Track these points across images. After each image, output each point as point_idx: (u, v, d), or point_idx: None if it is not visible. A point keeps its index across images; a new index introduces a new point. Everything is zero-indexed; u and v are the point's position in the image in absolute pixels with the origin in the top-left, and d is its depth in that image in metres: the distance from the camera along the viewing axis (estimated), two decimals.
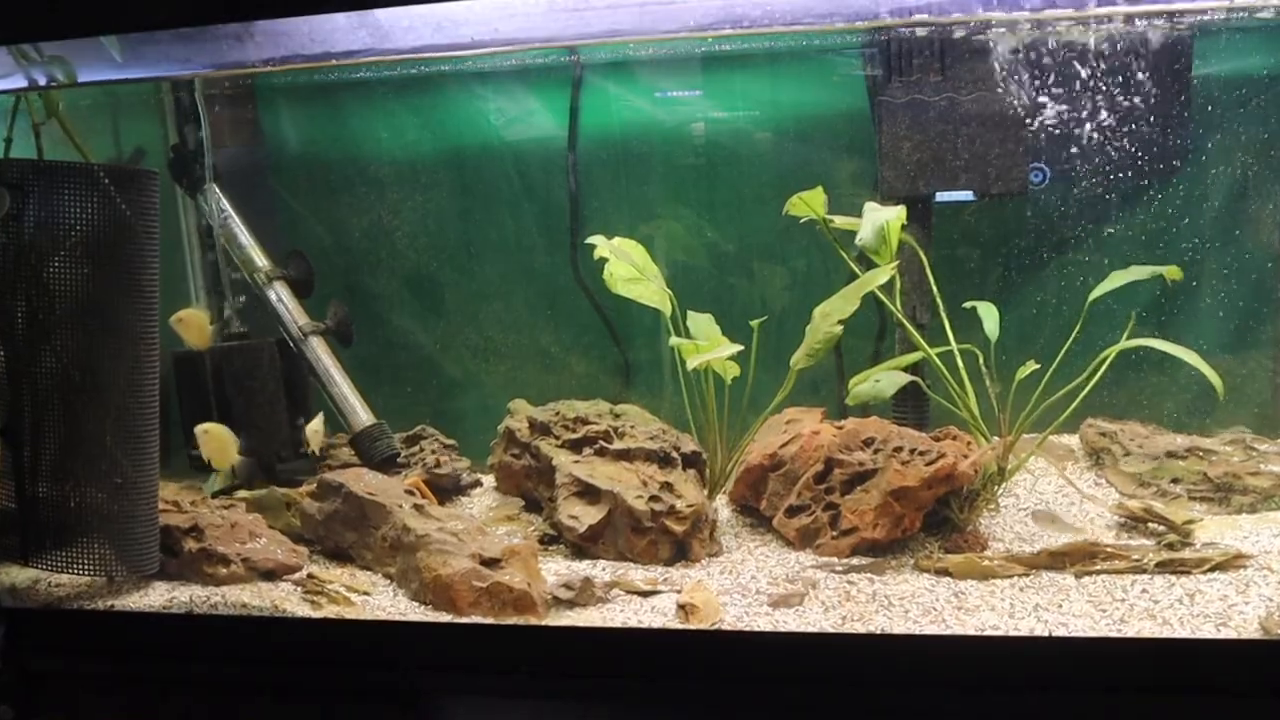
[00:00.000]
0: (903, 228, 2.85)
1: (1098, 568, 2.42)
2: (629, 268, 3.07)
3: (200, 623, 2.47)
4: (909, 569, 2.57)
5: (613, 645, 2.27)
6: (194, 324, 3.24)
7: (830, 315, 2.82)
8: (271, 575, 2.69)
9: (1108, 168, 3.13)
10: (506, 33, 2.93)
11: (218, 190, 3.51)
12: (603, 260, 3.07)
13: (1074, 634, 2.10)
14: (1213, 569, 2.38)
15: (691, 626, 2.26)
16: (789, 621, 2.27)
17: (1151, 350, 2.72)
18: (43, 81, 2.85)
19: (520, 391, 3.42)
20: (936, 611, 2.26)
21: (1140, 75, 3.03)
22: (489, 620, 2.37)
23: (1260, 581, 2.30)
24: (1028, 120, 3.04)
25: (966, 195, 3.13)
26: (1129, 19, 2.93)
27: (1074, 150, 3.11)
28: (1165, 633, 2.10)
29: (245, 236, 3.50)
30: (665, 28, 2.90)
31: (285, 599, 2.55)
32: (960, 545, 2.64)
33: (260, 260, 3.48)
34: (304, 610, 2.49)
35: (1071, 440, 3.28)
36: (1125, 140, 3.09)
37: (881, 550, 2.68)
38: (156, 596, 2.58)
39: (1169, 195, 3.20)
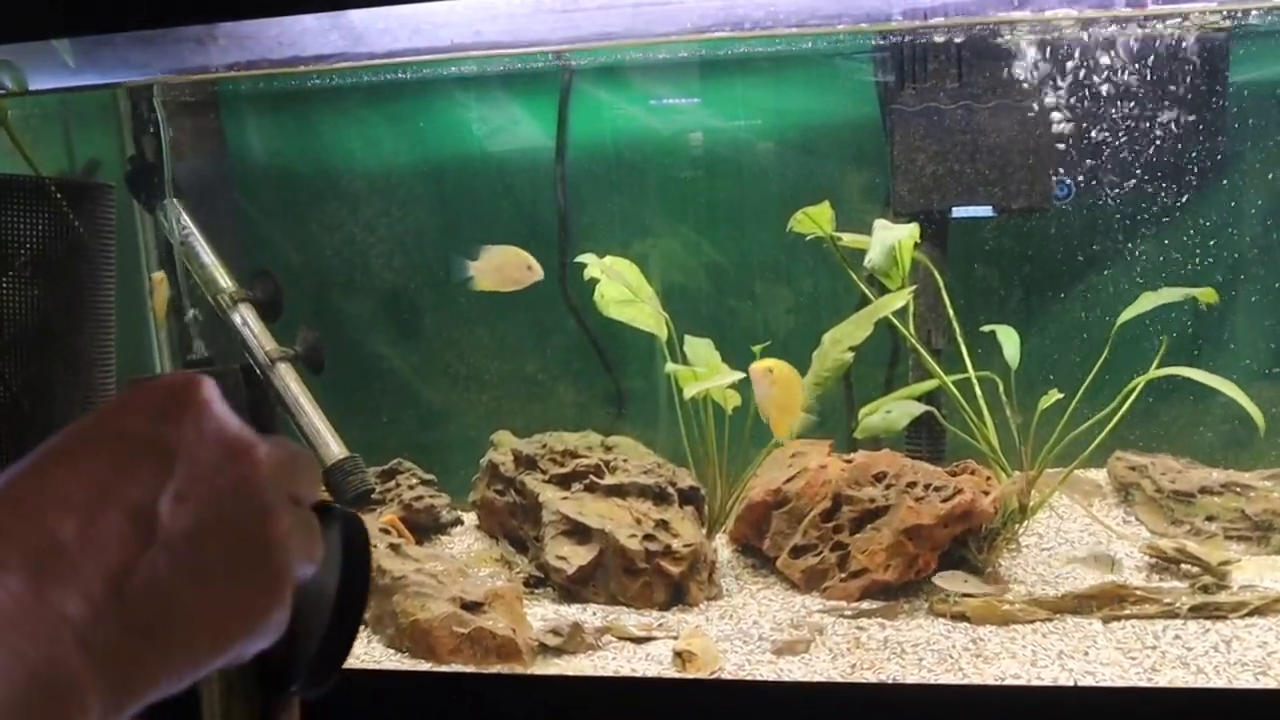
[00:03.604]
0: (917, 246, 2.88)
1: (1127, 612, 2.44)
2: (622, 289, 3.09)
3: None
4: (923, 613, 2.59)
5: (604, 695, 2.28)
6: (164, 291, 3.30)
7: (841, 341, 2.85)
8: None
9: (1137, 181, 3.15)
10: (490, 36, 2.95)
11: (178, 205, 3.53)
12: (594, 281, 3.09)
13: (1101, 683, 2.12)
14: (1251, 613, 2.40)
15: (689, 675, 2.27)
16: (794, 670, 2.29)
17: (1185, 377, 2.74)
18: None
19: (504, 422, 3.43)
20: (953, 659, 2.28)
21: (1172, 81, 3.05)
22: (470, 668, 2.39)
23: None
24: (1051, 130, 3.06)
25: (986, 211, 3.15)
26: (1153, 20, 2.96)
27: (1101, 162, 3.13)
28: (1200, 682, 2.12)
29: (208, 255, 3.51)
30: (661, 30, 2.93)
31: None
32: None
33: (224, 281, 3.49)
34: None
35: (1099, 475, 3.30)
36: (1156, 151, 3.11)
37: (894, 593, 2.70)
38: None
39: (1203, 210, 3.23)
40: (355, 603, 0.78)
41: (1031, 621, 2.45)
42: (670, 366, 3.02)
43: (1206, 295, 2.78)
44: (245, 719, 0.77)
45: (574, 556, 2.81)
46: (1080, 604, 2.49)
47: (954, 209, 3.14)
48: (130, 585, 0.61)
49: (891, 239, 2.81)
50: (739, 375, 2.91)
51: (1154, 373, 2.76)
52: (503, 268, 3.07)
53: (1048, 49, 3.02)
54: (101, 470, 0.64)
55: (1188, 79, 3.05)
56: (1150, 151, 3.11)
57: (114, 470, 0.65)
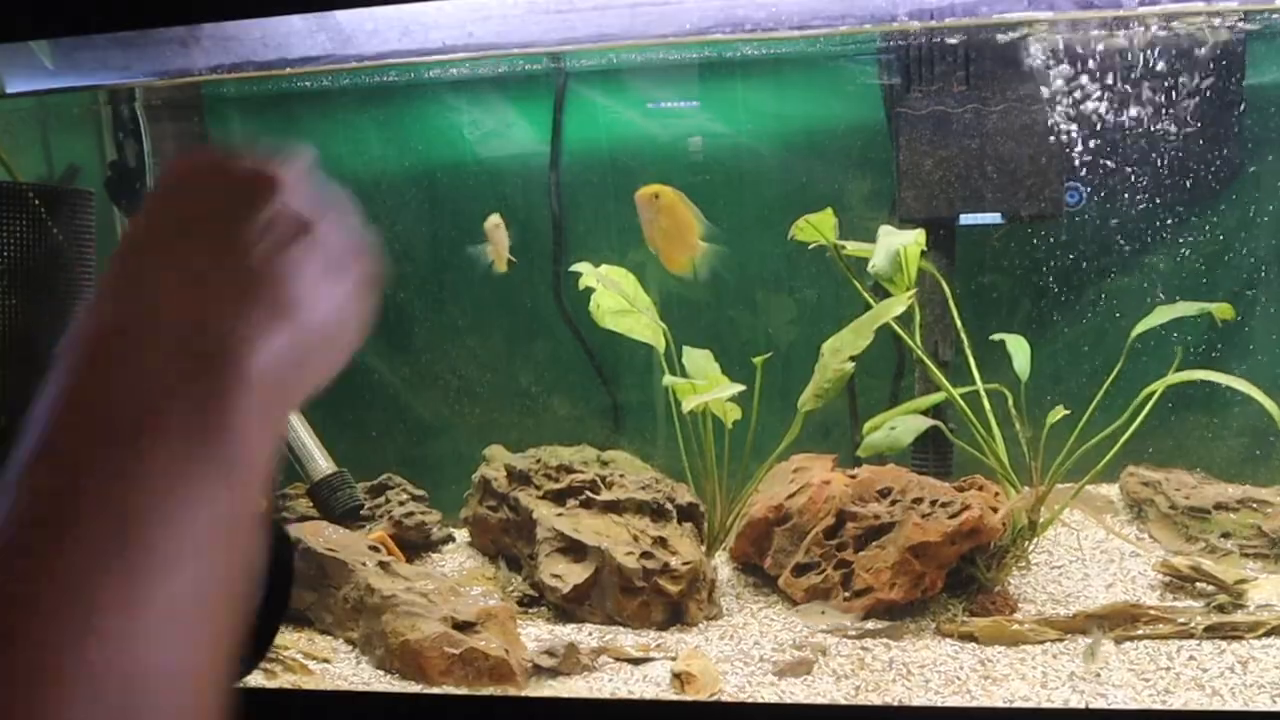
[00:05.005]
0: (923, 254, 2.88)
1: (1140, 632, 2.44)
2: (618, 299, 3.10)
3: None
4: (930, 633, 2.59)
5: (600, 718, 2.28)
6: None
7: (841, 351, 2.85)
8: None
9: (1151, 187, 3.15)
10: (482, 37, 2.96)
11: None
12: (589, 290, 3.09)
13: (1114, 706, 2.12)
14: (1268, 634, 2.41)
15: (688, 697, 2.28)
16: (796, 692, 2.29)
17: (1200, 391, 2.74)
18: None
19: (497, 436, 3.43)
20: (960, 681, 2.28)
21: (1187, 84, 3.05)
22: (462, 691, 2.39)
23: None
24: (1062, 134, 3.06)
25: (994, 217, 3.15)
26: (1169, 20, 2.96)
27: (1113, 168, 3.13)
28: (1215, 704, 2.12)
29: None
30: (659, 32, 2.94)
31: None
32: (987, 607, 2.66)
33: None
34: (256, 679, 2.50)
35: (1110, 490, 3.30)
36: (1170, 156, 3.11)
37: (899, 612, 2.70)
38: None
39: (1219, 217, 3.23)
40: (275, 614, 0.86)
41: (1041, 642, 2.46)
42: (668, 379, 3.03)
43: (1223, 311, 2.78)
44: None
45: (569, 575, 2.81)
46: (1092, 624, 2.49)
47: (961, 216, 3.14)
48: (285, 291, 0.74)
49: (896, 244, 2.81)
50: (739, 388, 2.91)
51: (1170, 378, 2.75)
52: (496, 240, 3.27)
53: (1058, 50, 3.02)
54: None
55: (1202, 82, 3.05)
56: (1164, 157, 3.11)
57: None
